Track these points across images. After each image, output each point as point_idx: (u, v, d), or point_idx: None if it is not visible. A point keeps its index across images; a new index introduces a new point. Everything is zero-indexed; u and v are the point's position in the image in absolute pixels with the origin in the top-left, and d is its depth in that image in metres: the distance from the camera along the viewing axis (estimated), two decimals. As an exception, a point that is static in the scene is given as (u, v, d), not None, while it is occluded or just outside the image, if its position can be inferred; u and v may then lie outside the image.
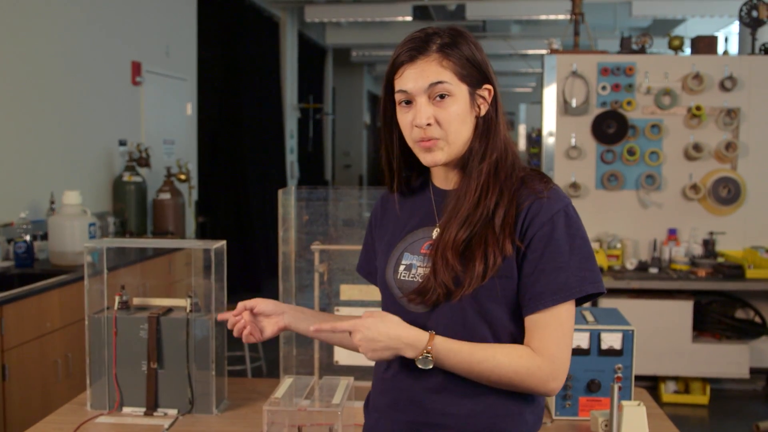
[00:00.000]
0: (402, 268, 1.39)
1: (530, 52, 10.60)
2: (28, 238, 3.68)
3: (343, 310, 2.17)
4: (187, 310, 2.04)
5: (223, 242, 2.09)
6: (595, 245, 4.64)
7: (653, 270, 4.55)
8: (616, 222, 4.76)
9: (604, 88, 4.68)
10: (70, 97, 4.43)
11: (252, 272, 7.33)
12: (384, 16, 8.47)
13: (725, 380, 4.64)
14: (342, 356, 2.20)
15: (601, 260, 4.52)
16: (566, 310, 1.29)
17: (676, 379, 4.51)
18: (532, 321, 1.29)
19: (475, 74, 1.33)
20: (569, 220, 1.30)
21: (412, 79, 1.30)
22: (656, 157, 4.66)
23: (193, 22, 6.24)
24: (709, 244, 4.67)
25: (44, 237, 3.95)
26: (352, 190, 2.50)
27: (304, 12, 8.56)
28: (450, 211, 1.33)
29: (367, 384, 1.54)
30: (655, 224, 4.74)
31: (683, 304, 4.39)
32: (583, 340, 1.97)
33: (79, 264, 3.64)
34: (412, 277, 1.36)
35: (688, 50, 4.97)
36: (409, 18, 8.41)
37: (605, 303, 4.22)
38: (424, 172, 1.45)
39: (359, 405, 1.57)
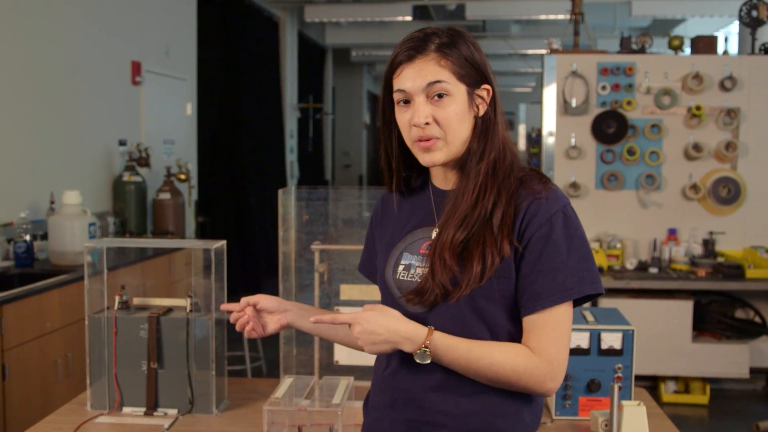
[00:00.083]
0: (401, 268, 1.39)
1: (530, 52, 10.60)
2: (28, 238, 3.68)
3: (344, 310, 2.17)
4: (187, 310, 2.04)
5: (223, 242, 2.09)
6: (595, 245, 4.64)
7: (653, 270, 4.55)
8: (615, 222, 4.76)
9: (603, 88, 4.68)
10: (70, 97, 4.43)
11: (252, 272, 7.33)
12: (384, 16, 8.47)
13: (725, 380, 4.64)
14: (342, 356, 2.20)
15: (601, 260, 4.52)
16: (564, 310, 1.29)
17: (676, 379, 4.51)
18: (530, 321, 1.30)
19: (474, 74, 1.33)
20: (567, 221, 1.30)
21: (411, 78, 1.31)
22: (656, 157, 4.66)
23: (193, 22, 6.24)
24: (708, 244, 4.67)
25: (44, 237, 3.95)
26: (352, 190, 2.50)
27: (304, 12, 8.56)
28: (448, 211, 1.34)
29: (367, 384, 1.54)
30: (655, 224, 4.74)
31: (683, 304, 4.39)
32: (583, 340, 1.97)
33: (79, 264, 3.64)
34: (411, 277, 1.37)
35: (688, 50, 4.97)
36: (408, 18, 8.41)
37: (605, 303, 4.22)
38: (424, 172, 1.45)
39: (359, 405, 1.57)
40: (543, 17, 8.32)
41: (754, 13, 4.75)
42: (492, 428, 1.32)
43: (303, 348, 2.32)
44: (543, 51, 6.78)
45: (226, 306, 1.56)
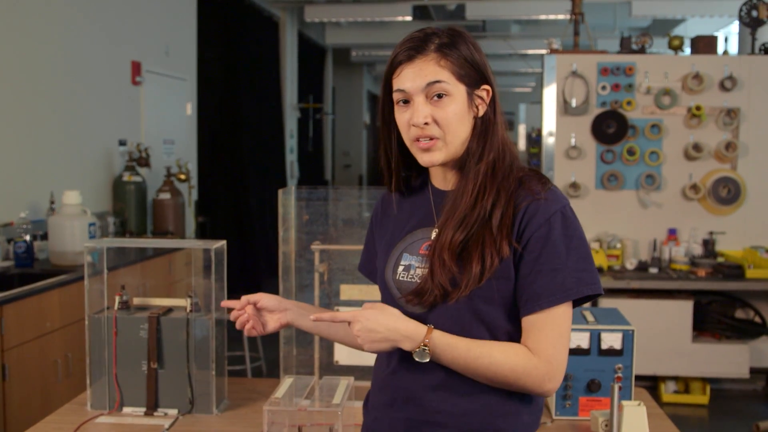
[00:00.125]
0: (401, 268, 1.39)
1: (530, 52, 10.60)
2: (28, 238, 3.68)
3: (343, 310, 2.17)
4: (187, 310, 2.04)
5: (223, 242, 2.09)
6: (595, 245, 4.64)
7: (653, 270, 4.56)
8: (615, 222, 4.76)
9: (603, 88, 4.68)
10: (70, 97, 4.43)
11: (252, 272, 7.33)
12: (384, 16, 8.47)
13: (725, 380, 4.64)
14: (342, 356, 2.20)
15: (601, 260, 4.52)
16: (563, 311, 1.29)
17: (676, 379, 4.51)
18: (528, 322, 1.29)
19: (474, 75, 1.33)
20: (566, 221, 1.30)
21: (410, 78, 1.31)
22: (656, 157, 4.66)
23: (193, 22, 6.24)
24: (708, 244, 4.67)
25: (44, 237, 3.95)
26: (352, 190, 2.51)
27: (304, 12, 8.56)
28: (447, 212, 1.34)
29: (367, 384, 1.54)
30: (655, 224, 4.74)
31: (683, 304, 4.39)
32: (583, 340, 1.97)
33: (79, 264, 3.64)
34: (410, 278, 1.37)
35: (687, 50, 4.97)
36: (408, 18, 8.41)
37: (605, 303, 4.22)
38: (423, 172, 1.45)
39: (359, 405, 1.57)
40: (543, 17, 8.32)
41: (754, 13, 4.75)
42: (492, 428, 1.32)
43: (303, 348, 2.32)
44: (543, 51, 6.78)
45: (226, 303, 1.56)
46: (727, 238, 4.71)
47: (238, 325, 1.53)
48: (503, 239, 1.29)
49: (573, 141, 4.71)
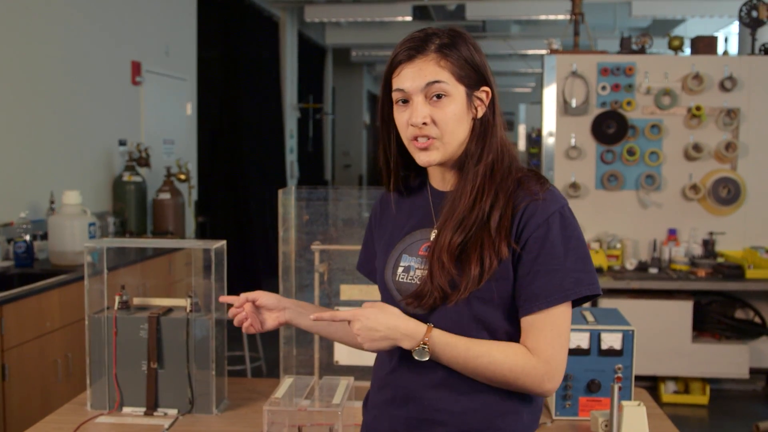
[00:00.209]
0: (401, 269, 1.39)
1: (530, 52, 10.60)
2: (28, 237, 3.68)
3: (343, 310, 2.17)
4: (187, 310, 2.04)
5: (223, 242, 2.10)
6: (594, 245, 4.64)
7: (653, 270, 4.55)
8: (615, 222, 4.76)
9: (603, 88, 4.68)
10: (70, 97, 4.43)
11: (252, 272, 7.33)
12: (384, 16, 8.47)
13: (725, 380, 4.64)
14: (342, 356, 2.20)
15: (601, 260, 4.52)
16: (562, 311, 1.29)
17: (675, 379, 4.51)
18: (527, 322, 1.30)
19: (473, 76, 1.33)
20: (565, 222, 1.30)
21: (410, 78, 1.30)
22: (656, 157, 4.66)
23: (193, 22, 6.24)
24: (708, 244, 4.67)
25: (44, 237, 3.95)
26: (352, 190, 2.51)
27: (304, 12, 8.56)
28: (445, 213, 1.34)
29: (367, 384, 1.54)
30: (654, 224, 4.74)
31: (683, 304, 4.39)
32: (583, 340, 1.97)
33: (79, 264, 3.64)
34: (410, 280, 1.37)
35: (687, 50, 4.97)
36: (408, 18, 8.41)
37: (605, 303, 4.22)
38: (422, 172, 1.45)
39: (359, 405, 1.57)
40: (543, 17, 8.32)
41: (754, 14, 4.75)
42: (491, 427, 1.32)
43: (303, 348, 2.32)
44: (543, 51, 6.79)
45: (225, 298, 1.57)
46: (727, 238, 4.71)
47: (236, 323, 1.53)
48: (502, 241, 1.29)
49: (573, 141, 4.71)
